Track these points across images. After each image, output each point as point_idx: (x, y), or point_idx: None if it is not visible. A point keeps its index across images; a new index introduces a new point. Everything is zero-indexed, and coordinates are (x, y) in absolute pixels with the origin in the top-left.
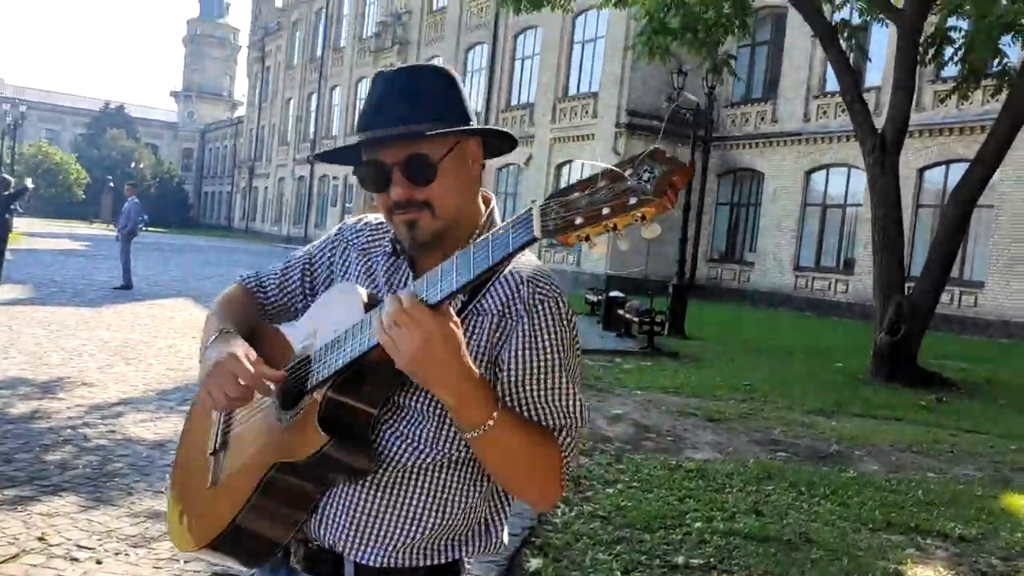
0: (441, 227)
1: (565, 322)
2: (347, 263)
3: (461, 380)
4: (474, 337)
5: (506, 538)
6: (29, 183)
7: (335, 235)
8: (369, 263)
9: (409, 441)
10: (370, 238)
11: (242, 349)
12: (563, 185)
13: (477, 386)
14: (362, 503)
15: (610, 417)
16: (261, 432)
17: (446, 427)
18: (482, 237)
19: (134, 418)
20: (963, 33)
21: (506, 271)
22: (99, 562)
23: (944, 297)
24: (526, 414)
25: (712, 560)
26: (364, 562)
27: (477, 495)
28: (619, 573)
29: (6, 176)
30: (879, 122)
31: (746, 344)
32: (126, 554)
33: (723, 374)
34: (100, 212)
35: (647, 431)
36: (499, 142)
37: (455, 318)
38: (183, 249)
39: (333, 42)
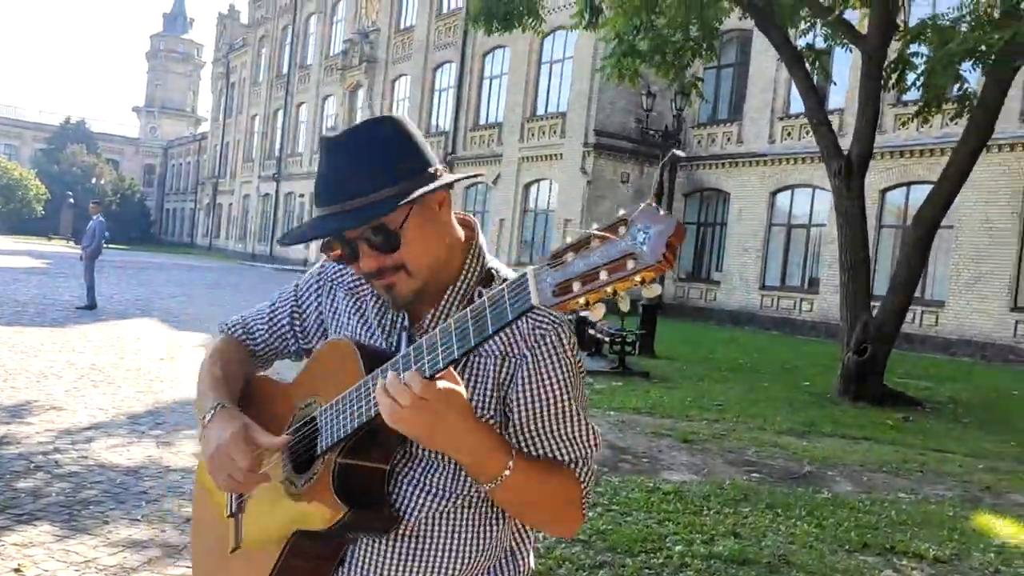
0: (419, 285)
1: (568, 352)
2: (335, 303)
3: (471, 439)
4: (480, 380)
5: (532, 563)
6: None
7: (318, 274)
8: (358, 303)
9: (426, 489)
10: (355, 277)
11: (242, 428)
12: (556, 244)
13: (488, 440)
14: (388, 554)
15: None
16: (277, 496)
17: (461, 471)
18: (478, 304)
19: (106, 443)
20: (924, 59)
21: None
22: None
23: (907, 316)
24: (541, 451)
25: None
26: None
27: (500, 530)
28: None
29: None
30: (844, 143)
31: (715, 363)
32: None
33: (694, 394)
34: (60, 228)
35: (623, 452)
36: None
37: (457, 379)
38: (146, 267)
39: (300, 59)
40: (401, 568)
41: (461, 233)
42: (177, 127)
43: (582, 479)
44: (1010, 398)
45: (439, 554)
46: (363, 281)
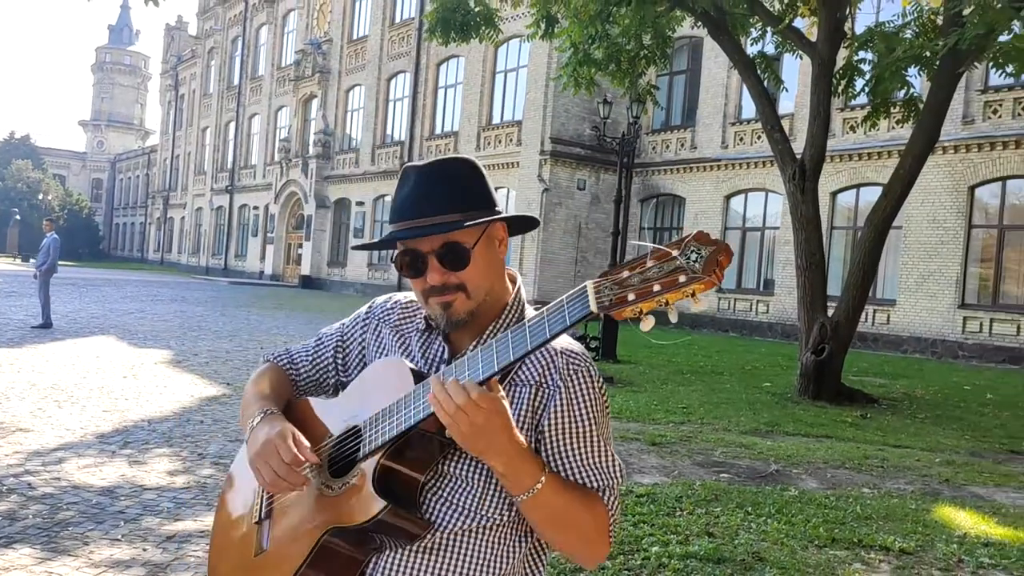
0: (474, 307)
1: (597, 388)
2: (381, 339)
3: (511, 449)
4: (515, 406)
5: None
6: None
7: (366, 313)
8: (403, 339)
9: (454, 507)
10: (402, 315)
11: (289, 429)
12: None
13: (524, 453)
14: (409, 567)
15: None
16: (309, 501)
17: (489, 493)
18: (536, 314)
19: (77, 463)
20: (872, 65)
21: None
22: None
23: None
24: (571, 477)
25: None
26: None
27: (520, 554)
28: None
29: None
30: (795, 147)
31: (677, 366)
32: None
33: (658, 397)
34: (6, 246)
35: None
36: (522, 223)
37: (503, 393)
38: (98, 284)
39: (251, 71)
40: None
41: (509, 284)
42: (125, 140)
43: (609, 507)
44: (961, 393)
45: (459, 571)
46: (407, 317)
